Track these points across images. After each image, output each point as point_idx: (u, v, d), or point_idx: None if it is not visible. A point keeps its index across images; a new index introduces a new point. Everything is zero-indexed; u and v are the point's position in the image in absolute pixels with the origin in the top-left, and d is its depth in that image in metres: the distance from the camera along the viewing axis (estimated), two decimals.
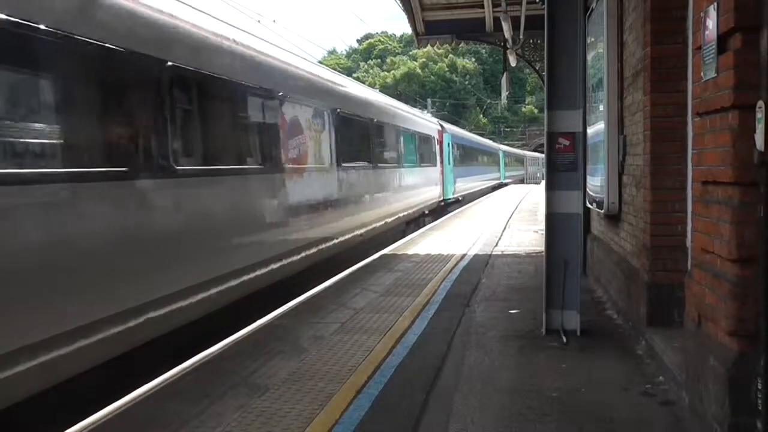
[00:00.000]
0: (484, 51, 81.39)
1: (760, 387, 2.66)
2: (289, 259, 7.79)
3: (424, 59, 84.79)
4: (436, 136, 21.26)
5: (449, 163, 23.29)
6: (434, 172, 20.37)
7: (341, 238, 10.14)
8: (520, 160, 65.83)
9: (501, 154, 48.53)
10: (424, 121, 20.33)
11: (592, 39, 7.05)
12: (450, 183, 23.17)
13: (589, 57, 7.16)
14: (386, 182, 13.75)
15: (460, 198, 25.85)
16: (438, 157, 21.22)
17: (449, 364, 4.81)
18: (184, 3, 6.11)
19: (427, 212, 18.76)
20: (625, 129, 6.03)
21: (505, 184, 47.76)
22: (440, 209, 21.56)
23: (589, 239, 8.13)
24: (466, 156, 29.97)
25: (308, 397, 4.15)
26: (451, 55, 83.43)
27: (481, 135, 54.13)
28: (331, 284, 8.27)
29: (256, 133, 7.32)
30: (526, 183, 57.78)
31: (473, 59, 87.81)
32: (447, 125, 26.12)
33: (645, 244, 5.04)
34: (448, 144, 23.54)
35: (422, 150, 18.50)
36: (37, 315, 4.01)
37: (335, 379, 4.50)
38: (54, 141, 4.33)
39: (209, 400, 4.17)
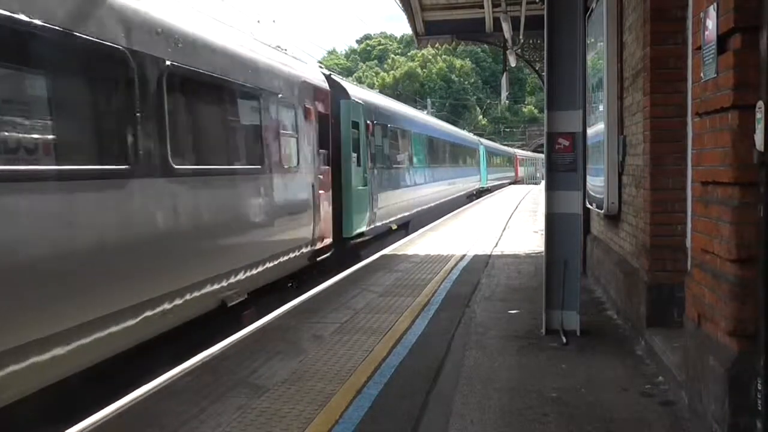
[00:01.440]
0: (480, 50, 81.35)
1: (759, 387, 2.66)
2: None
3: (421, 60, 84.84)
4: (300, 101, 9.17)
5: (357, 163, 11.70)
6: (284, 186, 8.37)
7: None
8: (509, 159, 54.56)
9: (482, 150, 35.96)
10: (248, 53, 7.81)
11: (592, 39, 7.06)
12: (362, 204, 11.97)
13: (589, 57, 7.16)
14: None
15: (393, 227, 14.64)
16: (310, 152, 9.38)
17: (449, 365, 4.80)
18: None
19: (243, 297, 6.95)
20: (625, 129, 6.04)
21: (488, 191, 36.74)
22: (328, 265, 10.08)
23: (589, 239, 8.13)
24: (411, 149, 17.51)
25: (308, 398, 4.15)
26: (445, 56, 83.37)
27: (480, 135, 51.82)
28: (330, 284, 8.27)
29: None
30: (526, 183, 57.00)
31: (467, 60, 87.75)
32: (355, 87, 13.63)
33: (645, 244, 5.04)
34: (354, 123, 11.60)
35: (239, 133, 7.55)
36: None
37: (335, 379, 4.50)
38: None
39: (209, 400, 4.17)
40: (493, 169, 42.16)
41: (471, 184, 31.36)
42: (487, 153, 39.03)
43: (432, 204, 20.07)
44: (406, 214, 16.23)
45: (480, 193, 33.91)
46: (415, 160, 18.02)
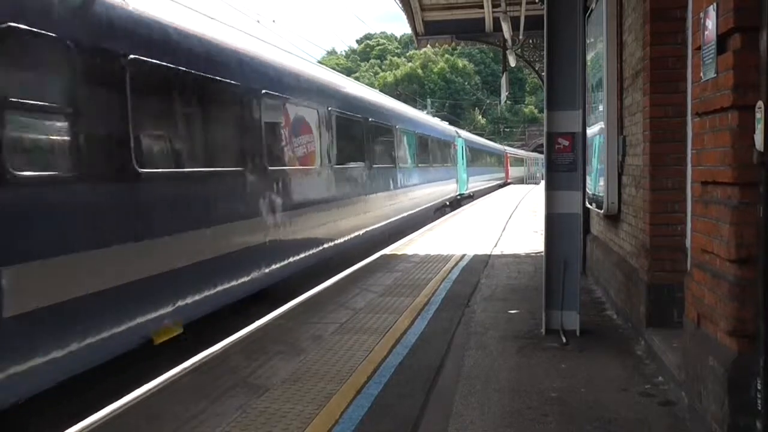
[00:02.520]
0: (477, 52, 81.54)
1: (759, 387, 2.66)
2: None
3: (423, 58, 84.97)
4: None
5: None
6: None
7: None
8: (498, 158, 46.08)
9: (461, 144, 26.38)
10: None
11: (592, 39, 7.06)
12: None
13: (589, 57, 7.17)
14: None
15: (154, 339, 5.27)
16: None
17: (449, 365, 4.81)
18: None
19: None
20: (625, 129, 6.04)
21: (470, 197, 27.89)
22: None
23: (589, 239, 8.13)
24: (282, 136, 8.21)
25: (308, 397, 4.15)
26: (447, 55, 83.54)
27: (480, 135, 49.91)
28: (330, 284, 8.27)
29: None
30: (526, 182, 56.12)
31: (466, 60, 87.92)
32: None
33: (644, 244, 5.04)
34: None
35: None
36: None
37: (335, 379, 4.50)
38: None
39: (209, 399, 4.17)
40: (477, 170, 32.42)
41: (442, 190, 21.12)
42: (469, 149, 29.11)
43: (351, 236, 10.85)
44: (258, 275, 7.23)
45: (458, 202, 24.64)
46: (290, 158, 8.42)
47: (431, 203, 19.20)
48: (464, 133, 30.71)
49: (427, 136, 19.43)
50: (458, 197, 24.83)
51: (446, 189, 22.17)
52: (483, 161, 36.81)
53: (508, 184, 48.32)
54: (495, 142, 55.31)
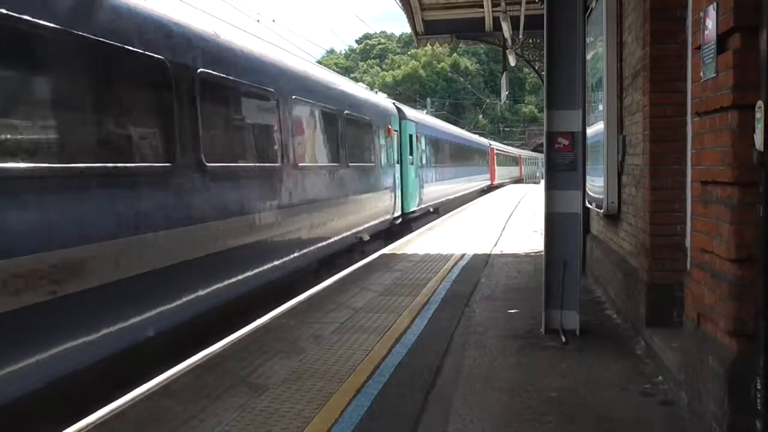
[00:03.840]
0: (482, 51, 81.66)
1: (759, 387, 2.66)
2: None
3: (426, 58, 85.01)
4: None
5: None
6: None
7: None
8: (478, 153, 35.69)
9: (409, 131, 17.13)
10: None
11: (592, 39, 7.06)
12: None
13: (589, 57, 7.16)
14: None
15: None
16: None
17: (448, 364, 4.80)
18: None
19: None
20: (625, 129, 6.04)
21: (434, 213, 20.16)
22: None
23: (589, 239, 8.13)
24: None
25: (307, 397, 4.15)
26: (455, 54, 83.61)
27: (481, 135, 48.26)
28: (330, 284, 8.27)
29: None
30: (525, 183, 55.14)
31: (473, 60, 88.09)
32: None
33: (644, 244, 5.04)
34: None
35: None
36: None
37: (334, 378, 4.50)
38: None
39: (209, 399, 4.17)
40: (443, 171, 23.01)
41: (351, 215, 11.56)
42: (426, 139, 19.74)
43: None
44: None
45: (406, 225, 16.62)
46: None
47: (313, 247, 9.40)
48: (417, 114, 20.22)
49: (313, 106, 9.74)
50: (397, 220, 15.65)
51: (370, 210, 12.96)
52: (454, 158, 26.35)
53: (496, 187, 40.33)
54: (496, 141, 51.91)
